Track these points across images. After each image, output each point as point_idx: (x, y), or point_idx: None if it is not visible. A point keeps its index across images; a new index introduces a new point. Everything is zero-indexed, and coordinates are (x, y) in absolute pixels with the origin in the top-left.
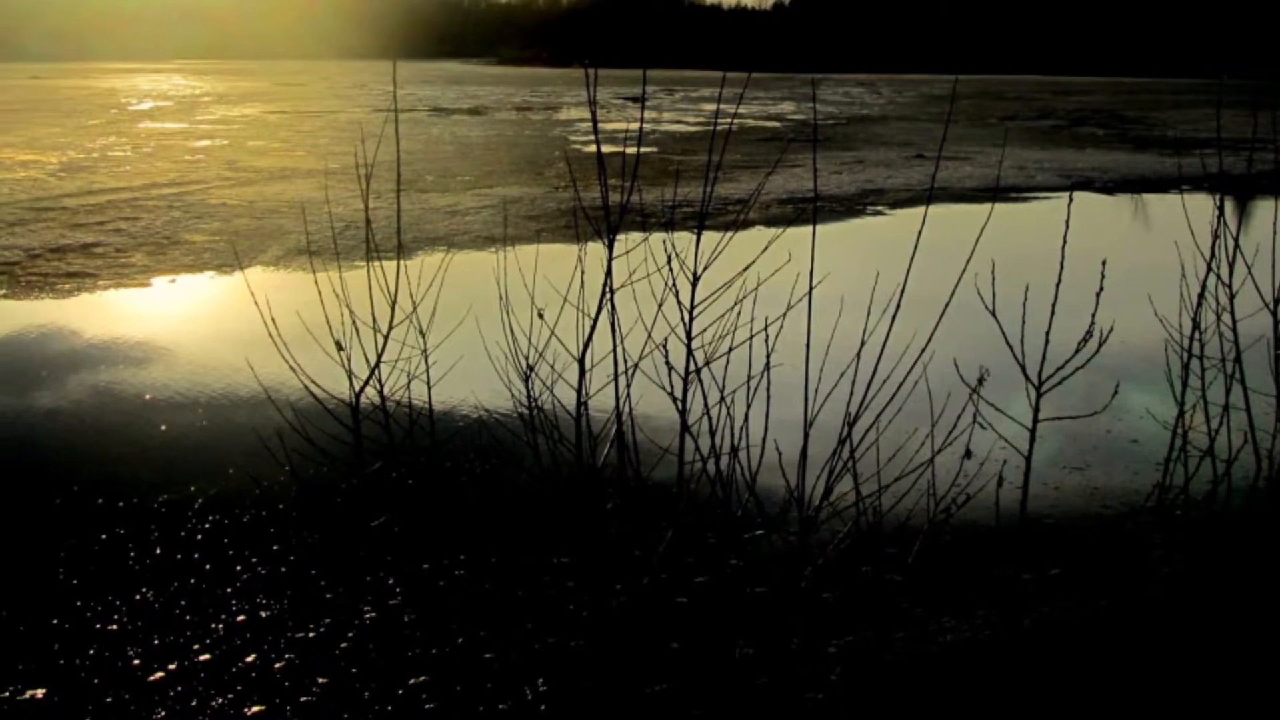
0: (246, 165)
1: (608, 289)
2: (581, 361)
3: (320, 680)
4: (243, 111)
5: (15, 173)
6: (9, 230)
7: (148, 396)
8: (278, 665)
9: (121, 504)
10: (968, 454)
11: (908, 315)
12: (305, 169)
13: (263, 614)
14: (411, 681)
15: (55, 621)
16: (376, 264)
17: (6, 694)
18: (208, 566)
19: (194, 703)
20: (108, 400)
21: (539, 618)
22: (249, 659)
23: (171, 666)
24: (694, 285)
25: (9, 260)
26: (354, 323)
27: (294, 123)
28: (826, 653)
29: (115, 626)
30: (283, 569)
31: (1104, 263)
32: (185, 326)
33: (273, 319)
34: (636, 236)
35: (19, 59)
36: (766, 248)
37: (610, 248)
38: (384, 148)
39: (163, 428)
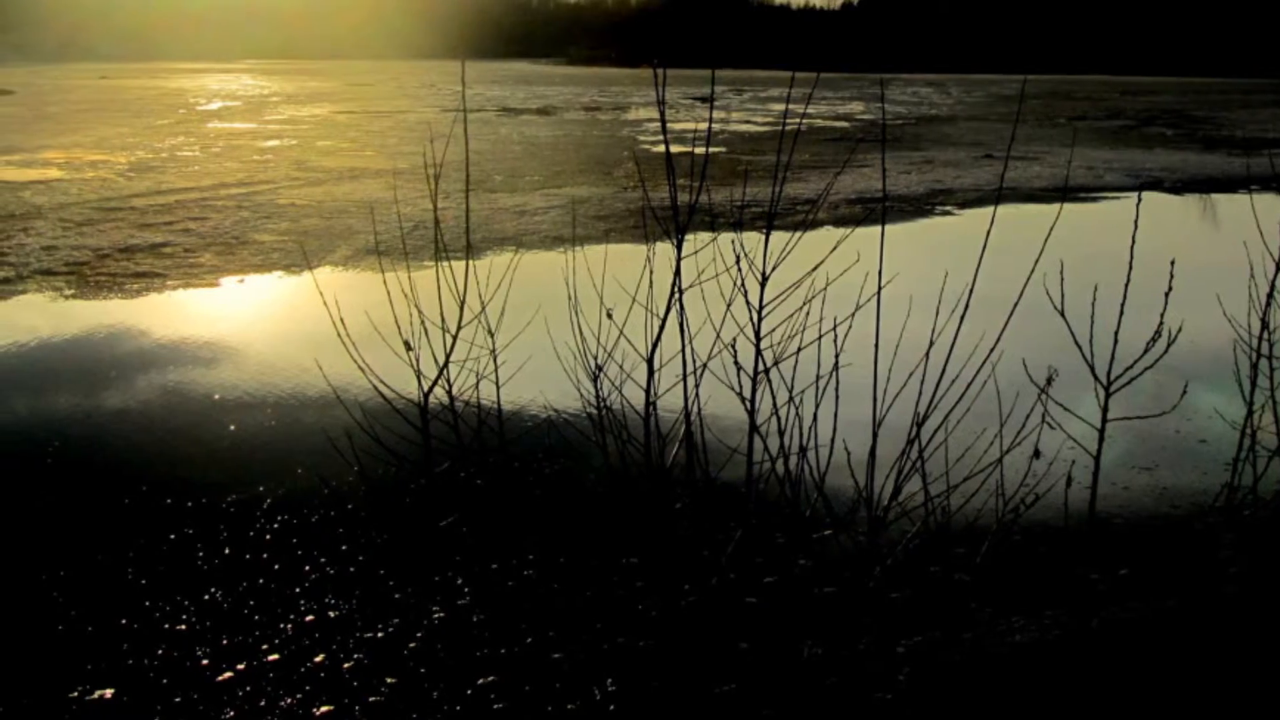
0: (315, 165)
1: (676, 289)
2: (650, 361)
3: (389, 680)
4: (311, 111)
5: (84, 173)
6: (78, 230)
7: (216, 397)
8: (346, 665)
9: (190, 504)
10: (1036, 454)
11: (976, 315)
12: (374, 169)
13: (331, 614)
14: (480, 681)
15: (124, 621)
16: (445, 264)
17: (76, 693)
18: (276, 566)
19: (263, 703)
20: (176, 401)
21: (607, 618)
22: (317, 659)
23: (240, 666)
24: (763, 285)
25: (78, 260)
26: (423, 323)
27: (363, 123)
28: (895, 653)
29: (184, 626)
30: (351, 569)
31: (1173, 263)
32: (253, 326)
33: (341, 319)
34: (705, 236)
35: (87, 59)
36: (835, 248)
37: (679, 247)
38: (453, 148)
39: (231, 428)
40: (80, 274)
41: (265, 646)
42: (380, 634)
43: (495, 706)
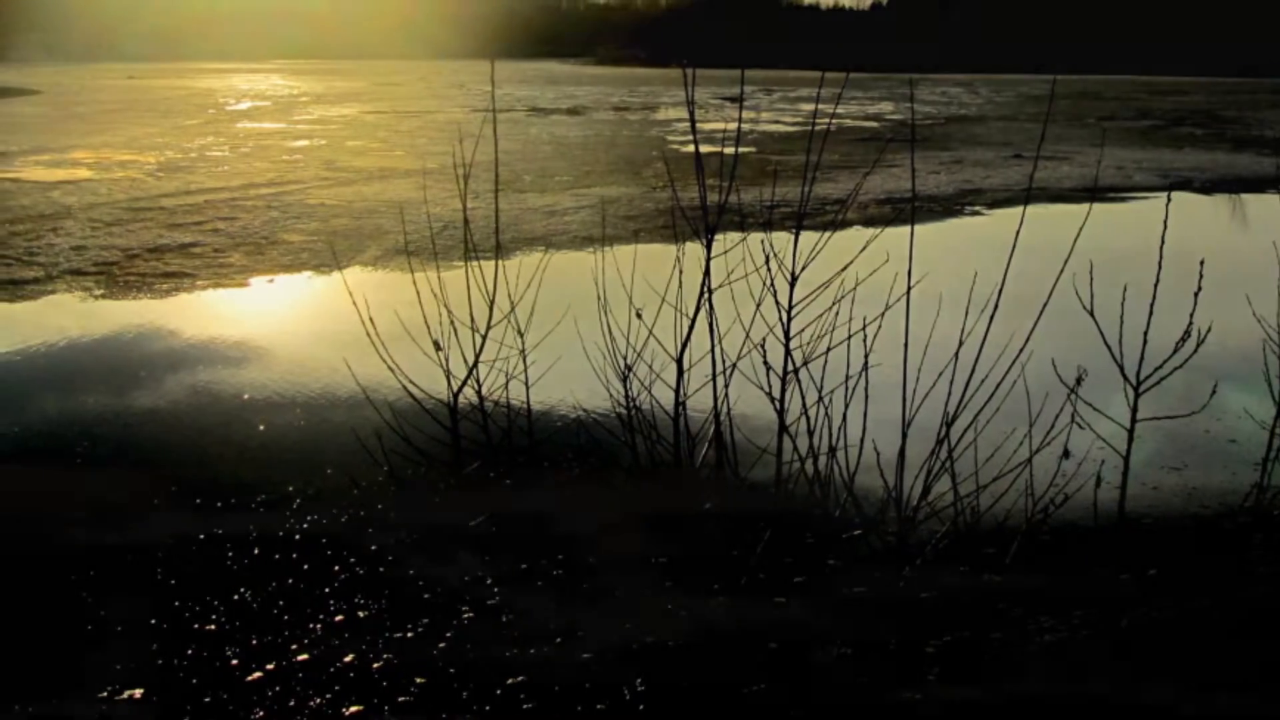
0: (344, 165)
1: (706, 289)
2: (680, 361)
3: (418, 680)
4: (340, 111)
5: (113, 173)
6: (107, 230)
7: (246, 396)
8: (376, 665)
9: (219, 504)
10: (1066, 454)
11: (1005, 315)
12: (403, 169)
13: (360, 614)
14: (509, 681)
15: (153, 621)
16: (474, 264)
17: (105, 693)
18: (306, 566)
19: (291, 703)
20: (206, 400)
21: (637, 617)
22: (347, 659)
23: (269, 666)
24: (792, 285)
25: (107, 260)
26: (452, 323)
27: (392, 123)
28: (924, 653)
29: (213, 626)
30: (380, 569)
31: (1202, 263)
32: (283, 326)
33: (371, 319)
34: (735, 236)
35: (116, 59)
36: (864, 248)
37: (708, 248)
38: (482, 147)
39: (261, 428)
40: (110, 274)
41: (294, 646)
42: (410, 634)
43: (525, 707)
